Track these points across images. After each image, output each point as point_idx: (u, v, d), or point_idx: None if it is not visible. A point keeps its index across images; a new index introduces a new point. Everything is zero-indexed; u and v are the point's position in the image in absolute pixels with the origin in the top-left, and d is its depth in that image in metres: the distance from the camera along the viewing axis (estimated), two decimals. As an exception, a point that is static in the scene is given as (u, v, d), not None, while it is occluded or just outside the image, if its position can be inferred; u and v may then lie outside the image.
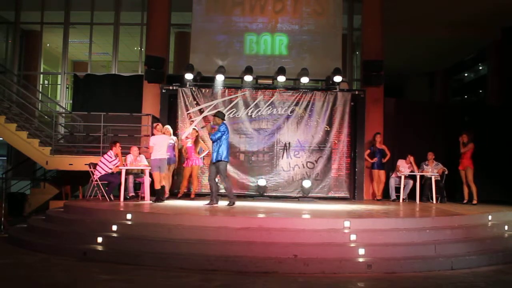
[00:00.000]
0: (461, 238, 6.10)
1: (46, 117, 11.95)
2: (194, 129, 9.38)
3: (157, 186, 8.23)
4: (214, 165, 7.72)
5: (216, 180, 8.13)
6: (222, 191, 9.77)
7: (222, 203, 7.96)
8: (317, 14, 10.58)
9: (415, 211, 7.86)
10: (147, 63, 10.54)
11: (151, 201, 8.27)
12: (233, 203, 7.81)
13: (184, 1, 11.21)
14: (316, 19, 10.57)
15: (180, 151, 9.68)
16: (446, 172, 9.86)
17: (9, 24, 14.22)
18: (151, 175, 8.61)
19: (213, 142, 7.66)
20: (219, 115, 7.84)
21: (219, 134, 7.58)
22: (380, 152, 10.14)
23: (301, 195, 9.90)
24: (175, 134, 9.84)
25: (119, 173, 8.52)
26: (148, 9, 11.44)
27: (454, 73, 18.54)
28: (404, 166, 9.86)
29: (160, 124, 8.70)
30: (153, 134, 8.62)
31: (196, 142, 9.16)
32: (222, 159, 7.60)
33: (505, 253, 5.84)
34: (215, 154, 7.64)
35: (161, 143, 8.27)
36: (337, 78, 9.88)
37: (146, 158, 9.08)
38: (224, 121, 7.84)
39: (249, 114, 10.13)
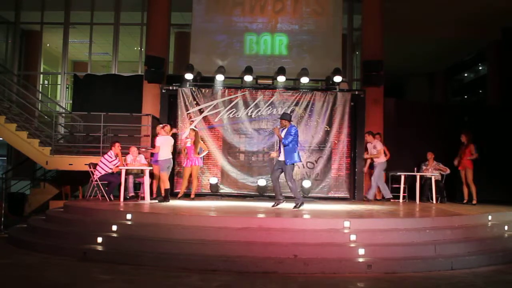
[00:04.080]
0: (461, 238, 6.09)
1: (46, 117, 11.95)
2: (192, 129, 9.37)
3: (167, 186, 8.29)
4: (279, 165, 7.44)
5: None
6: (223, 190, 9.88)
7: (224, 203, 7.96)
8: (317, 14, 10.59)
9: (415, 211, 7.86)
10: (147, 63, 10.54)
11: (157, 200, 8.30)
12: (300, 205, 7.40)
13: (184, 1, 11.23)
14: (316, 19, 10.58)
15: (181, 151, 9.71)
16: (448, 172, 9.86)
17: (9, 24, 14.25)
18: (151, 176, 8.69)
19: (285, 146, 7.28)
20: (285, 117, 7.51)
21: (290, 138, 7.26)
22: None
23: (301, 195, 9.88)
24: (174, 134, 9.85)
25: (119, 173, 8.52)
26: (148, 9, 11.44)
27: (454, 73, 18.53)
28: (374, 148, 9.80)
29: (168, 126, 8.66)
30: (155, 135, 8.65)
31: (196, 142, 9.15)
32: (289, 162, 7.29)
33: (505, 253, 5.82)
34: (282, 155, 7.34)
35: (168, 144, 8.33)
36: (337, 78, 9.88)
37: (145, 158, 9.07)
38: (292, 122, 7.61)
39: (249, 114, 10.12)
